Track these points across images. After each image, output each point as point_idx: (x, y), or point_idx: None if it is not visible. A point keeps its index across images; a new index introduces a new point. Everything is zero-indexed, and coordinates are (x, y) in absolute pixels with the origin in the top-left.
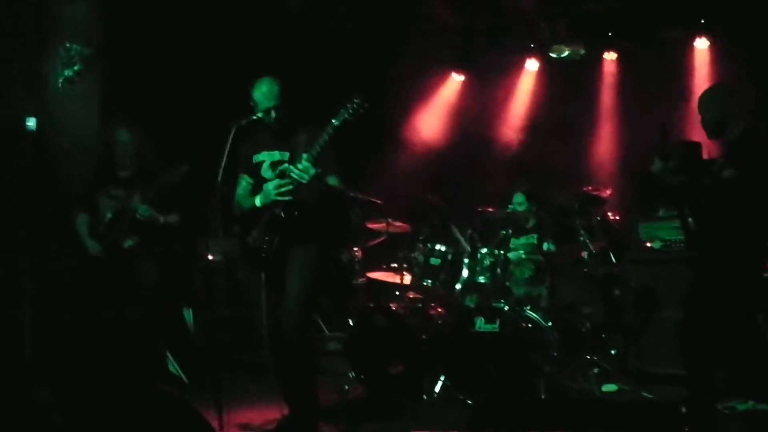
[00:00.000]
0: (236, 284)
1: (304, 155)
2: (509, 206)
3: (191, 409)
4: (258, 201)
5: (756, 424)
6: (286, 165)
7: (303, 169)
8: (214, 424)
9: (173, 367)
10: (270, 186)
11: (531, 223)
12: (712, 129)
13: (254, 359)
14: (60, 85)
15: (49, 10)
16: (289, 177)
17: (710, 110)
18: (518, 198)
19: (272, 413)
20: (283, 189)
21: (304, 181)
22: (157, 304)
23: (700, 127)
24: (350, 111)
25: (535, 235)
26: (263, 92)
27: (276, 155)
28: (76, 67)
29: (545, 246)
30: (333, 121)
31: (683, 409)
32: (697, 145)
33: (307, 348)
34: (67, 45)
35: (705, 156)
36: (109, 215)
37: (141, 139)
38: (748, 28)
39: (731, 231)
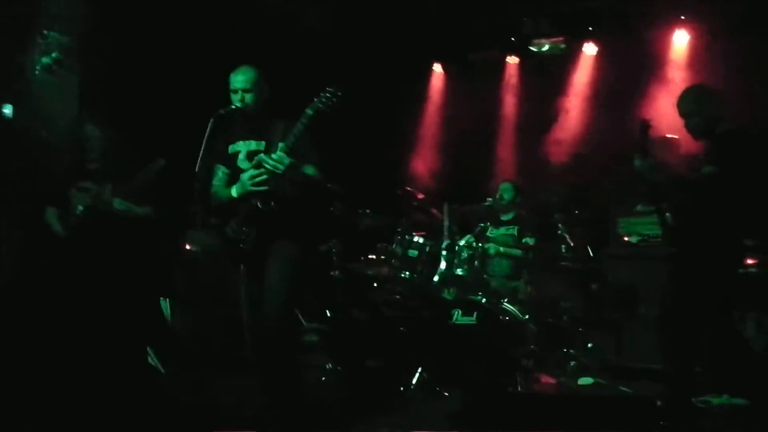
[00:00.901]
0: (216, 276)
1: (280, 145)
2: (488, 198)
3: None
4: (234, 192)
5: (730, 418)
6: (261, 155)
7: (277, 159)
8: (197, 417)
9: (152, 359)
10: (245, 176)
11: (510, 216)
12: (698, 132)
13: (235, 352)
14: (37, 72)
15: None
16: (265, 167)
17: (694, 113)
18: (506, 186)
19: (254, 407)
20: (258, 179)
21: (279, 172)
22: (131, 294)
23: (679, 121)
24: (323, 101)
25: (515, 227)
26: (240, 80)
27: (252, 145)
28: (53, 55)
29: (524, 240)
30: (307, 110)
31: (659, 403)
32: (676, 141)
33: (289, 341)
34: (45, 32)
35: (683, 151)
36: (80, 208)
37: (110, 133)
38: (726, 21)
39: (709, 227)
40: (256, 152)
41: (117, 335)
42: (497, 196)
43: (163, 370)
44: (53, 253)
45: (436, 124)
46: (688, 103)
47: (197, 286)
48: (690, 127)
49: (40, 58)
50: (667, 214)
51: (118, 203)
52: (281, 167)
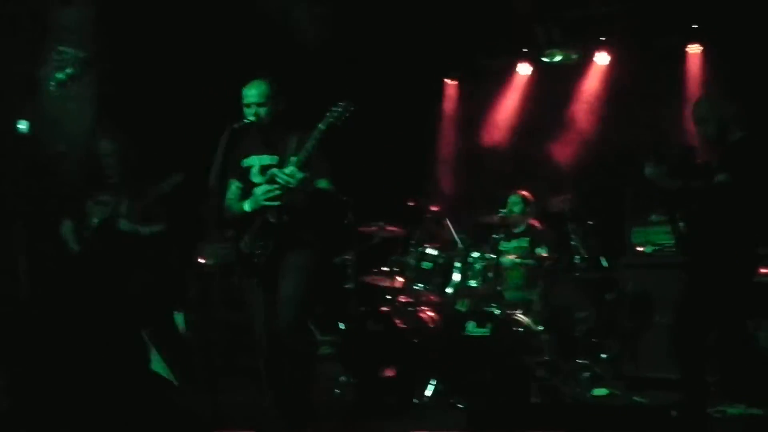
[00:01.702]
0: (230, 289)
1: (292, 159)
2: (501, 210)
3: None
4: (247, 206)
5: (746, 429)
6: (274, 169)
7: (290, 174)
8: (209, 427)
9: (160, 367)
10: (258, 191)
11: (522, 228)
12: (713, 138)
13: (249, 363)
14: (53, 88)
15: (43, 13)
16: (277, 182)
17: (709, 120)
18: (514, 199)
19: (266, 418)
20: (271, 194)
21: (291, 186)
22: (142, 307)
23: (691, 130)
24: (336, 115)
25: (527, 239)
26: (253, 93)
27: (266, 159)
28: (69, 71)
29: (537, 250)
30: (319, 125)
31: (674, 414)
32: (692, 149)
33: (302, 352)
34: (60, 48)
35: (698, 160)
36: (95, 221)
37: (126, 147)
38: (741, 34)
39: (723, 236)
40: (269, 166)
41: (127, 347)
42: (507, 209)
43: (176, 383)
44: (68, 265)
45: (449, 134)
46: (702, 110)
47: (211, 299)
48: (704, 134)
49: (55, 73)
50: (681, 222)
51: (122, 224)
52: (293, 182)
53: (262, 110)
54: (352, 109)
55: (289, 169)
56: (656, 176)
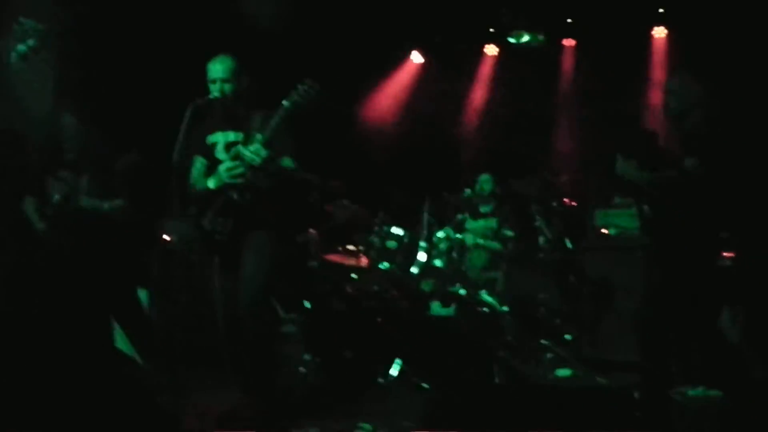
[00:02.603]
0: (192, 267)
1: (257, 137)
2: (467, 189)
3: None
4: (211, 183)
5: (706, 410)
6: (238, 147)
7: (254, 151)
8: (172, 410)
9: (124, 344)
10: (222, 168)
11: (488, 208)
12: (674, 114)
13: (211, 344)
14: (12, 60)
15: None
16: (241, 159)
17: (675, 97)
18: (485, 177)
19: (230, 399)
20: (235, 171)
21: (256, 164)
22: (105, 283)
23: (654, 116)
24: (301, 93)
25: (495, 219)
26: (218, 69)
27: (230, 136)
28: (30, 43)
29: (503, 231)
30: (284, 103)
31: (635, 395)
32: (654, 135)
33: (263, 332)
34: (21, 20)
35: (662, 146)
36: (57, 197)
37: (87, 122)
38: (706, 17)
39: (688, 219)
40: (233, 143)
41: (94, 327)
42: (477, 188)
43: (140, 361)
44: (32, 243)
45: (415, 114)
46: (673, 83)
47: (173, 276)
48: (666, 110)
49: (15, 45)
50: (645, 206)
51: (84, 201)
52: (258, 159)
53: (227, 86)
54: (317, 88)
55: (253, 147)
56: (627, 172)
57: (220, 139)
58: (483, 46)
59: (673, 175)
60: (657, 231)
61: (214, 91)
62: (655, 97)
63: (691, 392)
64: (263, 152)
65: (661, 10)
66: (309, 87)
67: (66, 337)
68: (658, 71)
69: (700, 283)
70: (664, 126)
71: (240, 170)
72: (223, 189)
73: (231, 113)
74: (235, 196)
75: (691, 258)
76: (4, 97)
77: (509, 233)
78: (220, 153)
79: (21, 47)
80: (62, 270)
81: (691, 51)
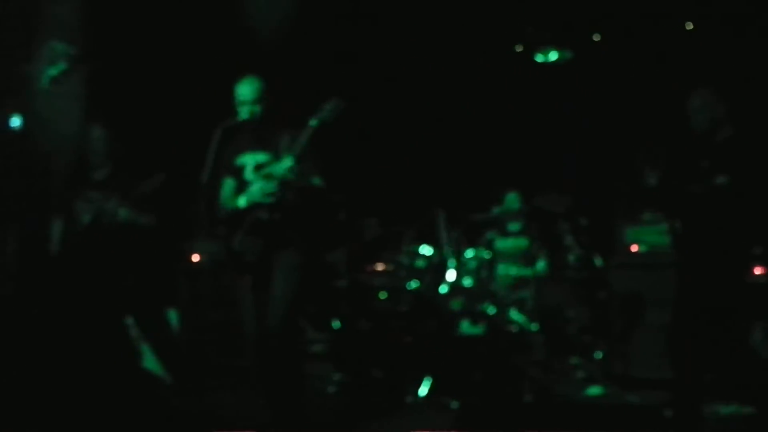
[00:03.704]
0: (222, 287)
1: (287, 156)
2: (495, 208)
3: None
4: (241, 202)
5: (739, 428)
6: (269, 166)
7: (285, 168)
8: (200, 427)
9: (152, 364)
10: (253, 188)
11: (517, 226)
12: (702, 131)
13: (239, 363)
14: (45, 84)
15: (34, 9)
16: (272, 178)
17: (702, 111)
18: (512, 196)
19: (257, 417)
20: (266, 189)
21: (287, 179)
22: (133, 303)
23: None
24: (327, 112)
25: (525, 239)
26: (247, 91)
27: (259, 157)
28: (61, 66)
29: (532, 251)
30: (311, 122)
31: (667, 413)
32: (683, 150)
33: (292, 351)
34: (52, 44)
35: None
36: (86, 218)
37: (115, 139)
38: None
39: (719, 236)
40: (263, 164)
41: (119, 345)
42: (504, 205)
43: (168, 381)
44: (58, 265)
45: (442, 131)
46: (697, 101)
47: (202, 295)
48: (694, 124)
49: (46, 69)
50: (676, 222)
51: (122, 212)
52: (290, 175)
53: (256, 108)
54: (343, 106)
55: (284, 163)
56: (658, 185)
57: (249, 160)
58: (510, 62)
59: (702, 188)
60: (688, 247)
61: (243, 113)
62: (685, 111)
63: (723, 410)
64: (293, 167)
65: (689, 26)
66: (335, 104)
67: (94, 356)
68: (687, 84)
69: (731, 298)
70: (693, 141)
71: (271, 188)
72: (252, 209)
73: (259, 134)
74: (264, 215)
75: (723, 274)
76: (36, 120)
77: (538, 251)
78: (249, 174)
79: (52, 70)
80: (91, 290)
81: (719, 64)
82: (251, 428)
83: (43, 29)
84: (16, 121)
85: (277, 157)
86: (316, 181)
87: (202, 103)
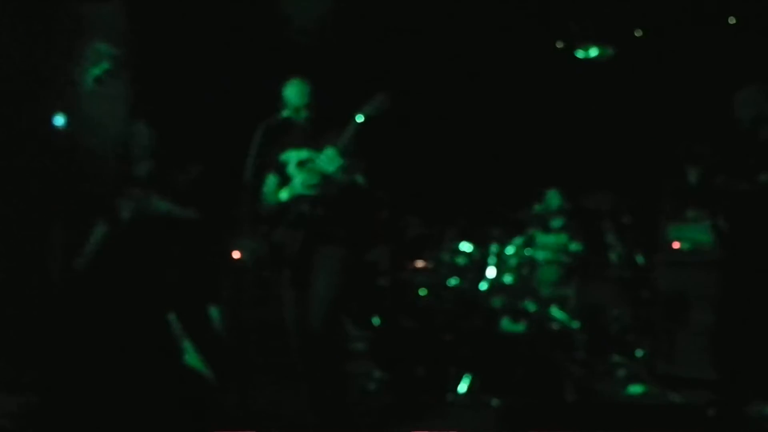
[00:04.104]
0: (263, 284)
1: (331, 151)
2: (537, 205)
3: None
4: (284, 195)
5: None
6: (312, 161)
7: (329, 159)
8: (242, 425)
9: (195, 360)
10: (296, 181)
11: (559, 223)
12: (747, 128)
13: (282, 361)
14: (89, 84)
15: (78, 9)
16: (315, 171)
17: (749, 108)
18: (552, 193)
19: (298, 413)
20: (309, 182)
21: (330, 171)
22: (175, 301)
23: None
24: (373, 107)
25: (565, 235)
26: (294, 92)
27: (303, 153)
28: (104, 66)
29: (574, 246)
30: (356, 117)
31: (710, 412)
32: (727, 147)
33: (334, 348)
34: (95, 44)
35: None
36: (127, 214)
37: (157, 136)
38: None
39: (764, 234)
40: (306, 161)
41: (164, 343)
42: (544, 203)
43: (211, 377)
44: (101, 261)
45: (482, 129)
46: (741, 97)
47: (244, 292)
48: (739, 122)
49: (90, 69)
50: (720, 220)
51: (159, 203)
52: (332, 168)
53: (303, 111)
54: (390, 101)
55: (328, 155)
56: (700, 180)
57: (292, 157)
58: (550, 58)
59: (747, 186)
60: (732, 245)
61: (292, 114)
62: (728, 108)
63: (767, 409)
64: (338, 161)
65: (732, 21)
66: (381, 100)
67: (137, 352)
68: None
69: None
70: (737, 138)
71: (315, 180)
72: (294, 202)
73: (304, 132)
74: (306, 209)
75: (766, 271)
76: (81, 120)
77: (578, 248)
78: (292, 170)
79: (95, 71)
80: (133, 285)
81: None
82: (288, 427)
83: (88, 29)
84: (60, 120)
85: (321, 153)
86: (359, 178)
87: (247, 101)
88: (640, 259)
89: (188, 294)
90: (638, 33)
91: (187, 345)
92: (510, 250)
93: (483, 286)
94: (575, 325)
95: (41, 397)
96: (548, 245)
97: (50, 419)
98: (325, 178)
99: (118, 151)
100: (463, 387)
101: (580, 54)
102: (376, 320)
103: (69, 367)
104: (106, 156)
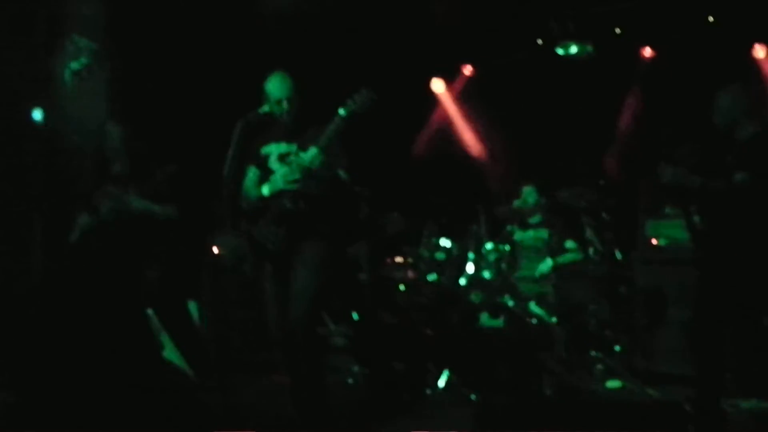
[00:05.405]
0: (244, 280)
1: (313, 146)
2: (515, 201)
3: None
4: (265, 190)
5: (760, 422)
6: (293, 155)
7: (310, 155)
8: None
9: (174, 355)
10: (277, 175)
11: (537, 219)
12: (723, 126)
13: (262, 356)
14: (67, 78)
15: (57, 4)
16: (297, 166)
17: (725, 108)
18: (529, 189)
19: (280, 408)
20: (290, 176)
21: (313, 167)
22: (154, 296)
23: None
24: (357, 103)
25: (545, 231)
26: (276, 86)
27: (283, 147)
28: (83, 61)
29: (565, 243)
30: (339, 112)
31: (687, 407)
32: (703, 146)
33: (314, 343)
34: (74, 38)
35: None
36: (104, 211)
37: (132, 134)
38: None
39: (738, 231)
40: (287, 154)
41: (143, 339)
42: (521, 200)
43: (191, 374)
44: (78, 256)
45: (462, 125)
46: (720, 101)
47: (224, 287)
48: (716, 121)
49: (69, 63)
50: (695, 217)
51: (136, 202)
52: (315, 163)
53: (286, 103)
54: (374, 97)
55: (310, 151)
56: (676, 179)
57: (273, 150)
58: (530, 57)
59: (722, 185)
60: (708, 242)
61: (275, 109)
62: (705, 107)
63: (744, 404)
64: (320, 156)
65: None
66: (365, 96)
67: (115, 347)
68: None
69: (751, 294)
70: (714, 137)
71: (296, 176)
72: (276, 197)
73: (285, 126)
74: (288, 204)
75: (742, 269)
76: (59, 113)
77: (572, 245)
78: (273, 163)
79: (74, 65)
80: (111, 280)
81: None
82: (269, 425)
83: (66, 24)
84: (37, 115)
85: (302, 147)
86: (341, 173)
87: (224, 97)
88: (618, 255)
89: (167, 290)
90: (618, 31)
91: (166, 340)
92: (489, 245)
93: (462, 281)
94: (554, 320)
95: (18, 396)
96: (527, 240)
97: (28, 417)
98: (307, 173)
99: (94, 148)
100: (441, 382)
101: (560, 51)
102: (355, 315)
103: (47, 364)
104: (83, 152)
